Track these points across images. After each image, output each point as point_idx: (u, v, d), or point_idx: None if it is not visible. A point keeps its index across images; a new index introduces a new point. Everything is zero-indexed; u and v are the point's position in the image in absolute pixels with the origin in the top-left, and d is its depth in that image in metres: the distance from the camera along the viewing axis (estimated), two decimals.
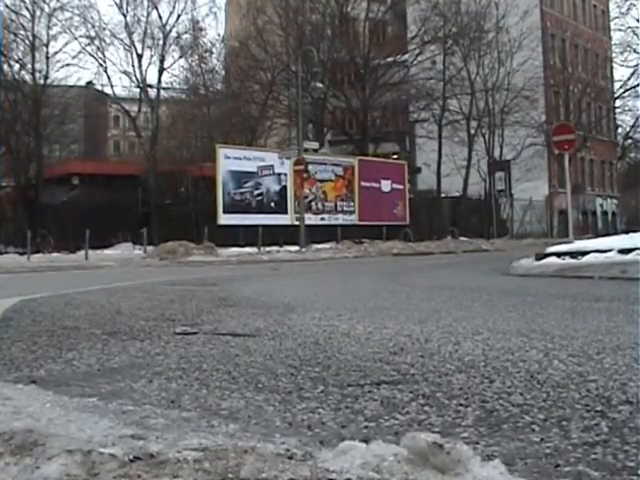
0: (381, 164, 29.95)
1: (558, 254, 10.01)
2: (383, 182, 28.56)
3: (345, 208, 27.41)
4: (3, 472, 1.31)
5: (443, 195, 33.68)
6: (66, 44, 45.03)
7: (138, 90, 31.61)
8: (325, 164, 27.18)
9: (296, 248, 21.70)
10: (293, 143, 28.92)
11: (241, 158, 24.70)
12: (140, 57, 30.11)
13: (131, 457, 1.33)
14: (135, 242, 23.68)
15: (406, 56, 34.04)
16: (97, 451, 1.34)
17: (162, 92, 32.07)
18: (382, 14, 34.27)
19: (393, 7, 35.83)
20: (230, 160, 24.21)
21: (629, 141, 47.61)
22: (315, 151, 26.46)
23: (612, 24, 44.04)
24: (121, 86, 59.10)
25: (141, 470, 1.29)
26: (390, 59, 33.33)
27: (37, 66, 28.48)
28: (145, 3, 30.41)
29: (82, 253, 19.64)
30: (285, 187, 25.44)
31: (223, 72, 34.73)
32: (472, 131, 34.21)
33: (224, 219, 23.45)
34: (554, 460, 1.53)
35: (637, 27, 37.35)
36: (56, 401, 1.98)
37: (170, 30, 30.71)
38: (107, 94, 35.06)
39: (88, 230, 19.40)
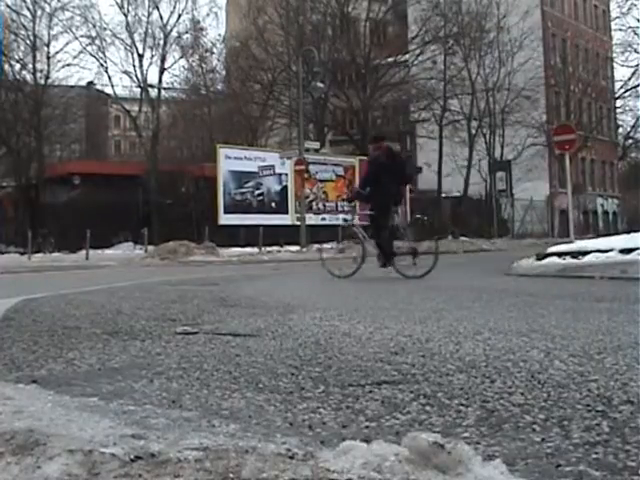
0: None
1: (559, 254, 10.00)
2: None
3: (346, 208, 27.36)
4: (4, 472, 1.31)
5: (444, 195, 33.70)
6: (67, 44, 45.34)
7: (139, 90, 31.68)
8: (326, 164, 27.18)
9: (297, 248, 21.71)
10: (294, 143, 28.93)
11: (242, 158, 24.72)
12: (141, 57, 30.20)
13: (132, 457, 1.33)
14: (136, 242, 23.72)
15: (407, 56, 34.05)
16: (98, 451, 1.34)
17: (163, 92, 32.15)
18: (383, 14, 34.30)
19: (394, 7, 35.86)
20: (231, 160, 24.22)
21: (630, 141, 47.63)
22: (316, 151, 26.47)
23: (613, 24, 44.06)
24: (122, 86, 59.06)
25: (142, 470, 1.29)
26: (391, 59, 33.35)
27: (38, 66, 28.57)
28: (146, 3, 30.54)
29: (83, 253, 19.66)
30: (286, 187, 25.46)
31: (224, 72, 34.80)
32: (473, 131, 34.23)
33: (225, 219, 23.47)
34: (555, 460, 1.52)
35: (638, 27, 37.31)
36: (57, 401, 1.98)
37: (171, 30, 30.82)
38: (108, 94, 35.11)
39: (89, 230, 19.42)
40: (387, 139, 10.67)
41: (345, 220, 9.95)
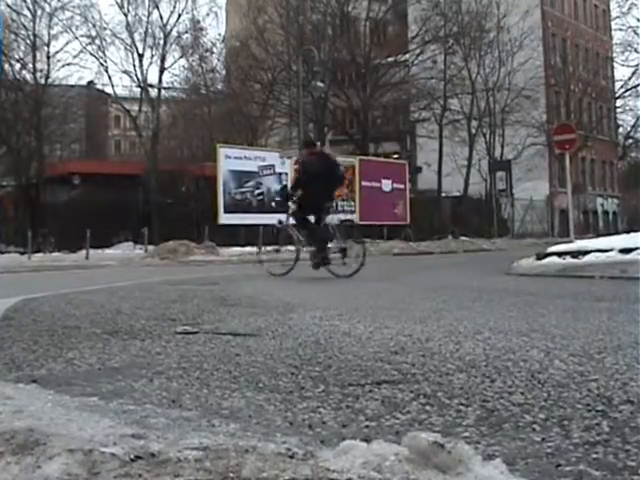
0: (382, 164, 29.94)
1: (559, 254, 10.01)
2: (384, 182, 28.54)
3: (346, 208, 27.37)
4: (4, 471, 1.31)
5: (444, 195, 33.69)
6: (67, 44, 45.38)
7: (139, 90, 31.67)
8: None
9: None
10: (294, 142, 28.92)
11: (242, 158, 24.68)
12: (141, 57, 30.19)
13: (132, 456, 1.33)
14: (136, 242, 23.69)
15: (407, 56, 34.06)
16: (98, 450, 1.34)
17: (163, 92, 32.14)
18: (383, 14, 34.30)
19: (394, 7, 35.85)
20: (231, 160, 24.19)
21: (630, 141, 47.65)
22: None
23: (613, 24, 44.14)
24: (122, 86, 59.18)
25: (142, 469, 1.29)
26: (391, 59, 33.36)
27: (38, 66, 28.55)
28: (146, 3, 30.53)
29: (83, 252, 19.64)
30: (286, 187, 25.42)
31: (224, 72, 34.79)
32: (473, 131, 34.21)
33: (224, 219, 23.45)
34: (555, 460, 1.52)
35: (638, 27, 37.39)
36: (57, 400, 1.98)
37: (171, 30, 30.82)
38: (108, 94, 35.12)
39: (89, 229, 19.41)
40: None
41: (280, 222, 10.20)
